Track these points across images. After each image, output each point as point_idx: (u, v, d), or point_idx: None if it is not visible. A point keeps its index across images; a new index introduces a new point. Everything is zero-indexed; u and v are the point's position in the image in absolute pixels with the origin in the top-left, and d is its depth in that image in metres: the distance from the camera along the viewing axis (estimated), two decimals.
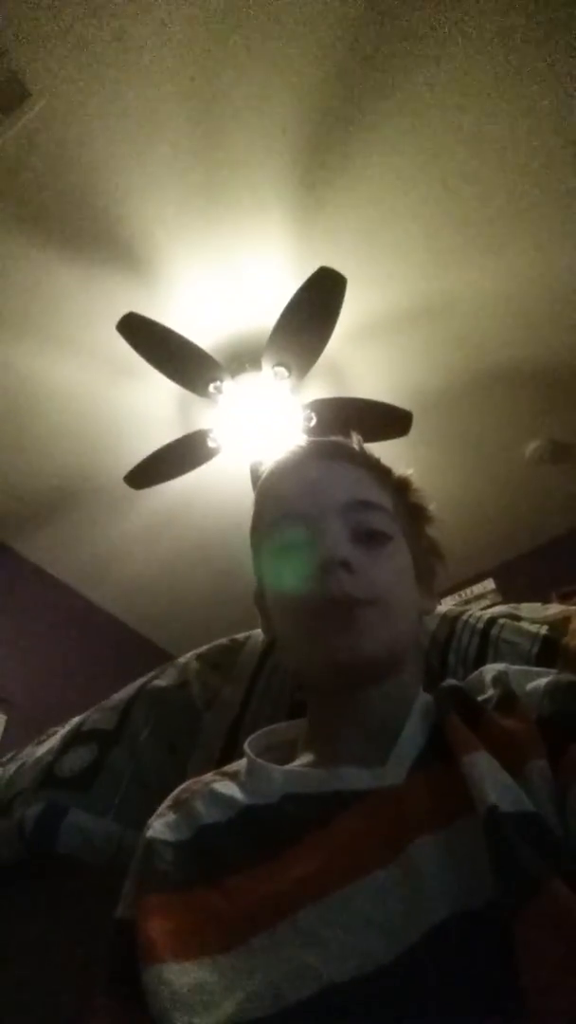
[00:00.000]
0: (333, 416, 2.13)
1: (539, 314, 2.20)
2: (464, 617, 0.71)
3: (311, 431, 2.14)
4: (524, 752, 0.42)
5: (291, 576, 0.55)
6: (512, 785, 0.39)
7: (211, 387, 2.05)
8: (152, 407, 2.37)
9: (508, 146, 1.79)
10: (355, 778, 0.47)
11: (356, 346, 2.25)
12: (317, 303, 1.84)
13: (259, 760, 0.53)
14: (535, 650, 0.64)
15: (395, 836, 0.41)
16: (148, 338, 1.91)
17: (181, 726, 0.74)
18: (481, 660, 0.65)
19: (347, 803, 0.45)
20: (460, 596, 2.68)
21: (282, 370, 2.02)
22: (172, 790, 0.55)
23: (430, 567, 0.64)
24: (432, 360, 2.34)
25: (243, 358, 2.17)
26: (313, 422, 2.15)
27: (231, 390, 2.09)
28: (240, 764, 0.55)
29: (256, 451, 2.23)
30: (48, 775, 0.75)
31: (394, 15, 1.55)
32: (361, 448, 0.63)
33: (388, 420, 2.12)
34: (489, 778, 0.39)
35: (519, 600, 0.78)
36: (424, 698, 0.53)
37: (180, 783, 0.56)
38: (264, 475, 0.65)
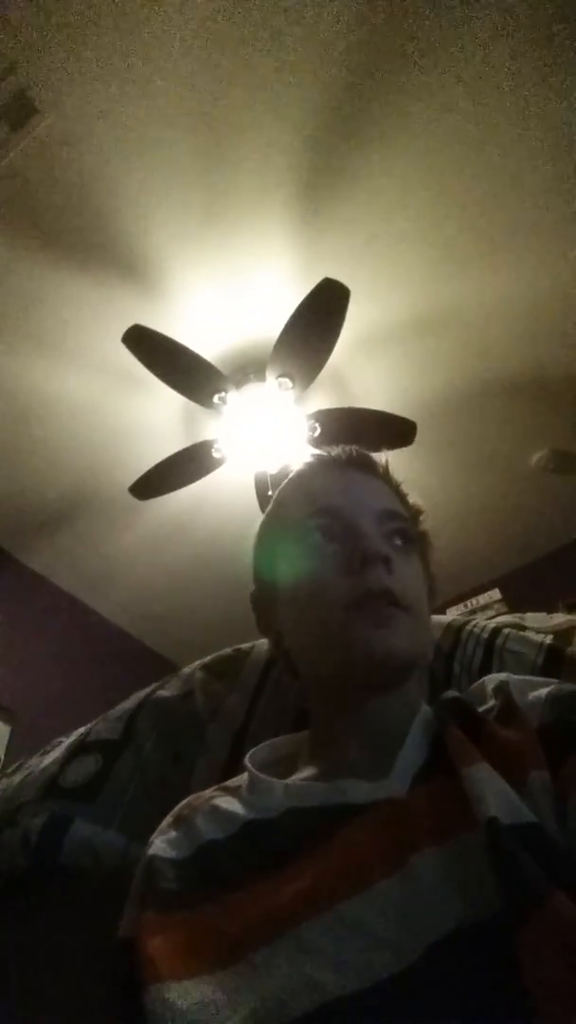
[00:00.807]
0: (337, 426, 2.13)
1: (543, 324, 2.21)
2: (469, 627, 0.71)
3: (315, 441, 2.15)
4: (525, 762, 0.42)
5: (326, 568, 0.54)
6: (513, 796, 0.39)
7: (216, 398, 2.06)
8: (157, 418, 2.38)
9: (512, 158, 1.81)
10: (357, 791, 0.47)
11: (360, 356, 2.26)
12: (321, 314, 1.86)
13: (260, 774, 0.53)
14: (540, 660, 0.63)
15: (397, 848, 0.41)
16: (153, 350, 1.92)
17: (185, 736, 0.74)
18: (486, 670, 0.64)
19: (349, 816, 0.45)
20: (466, 606, 2.67)
21: (286, 381, 2.03)
22: (177, 800, 0.55)
23: (432, 592, 0.64)
24: (436, 370, 2.35)
25: (247, 369, 2.18)
26: (317, 432, 2.16)
27: (235, 401, 2.10)
28: (242, 778, 0.54)
29: (261, 462, 2.24)
30: (53, 785, 0.75)
31: (398, 32, 1.57)
32: (386, 467, 0.65)
33: (392, 430, 2.13)
34: (489, 790, 0.39)
35: (525, 610, 0.78)
36: (426, 710, 0.53)
37: (185, 793, 0.56)
38: (292, 474, 0.65)
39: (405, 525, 0.59)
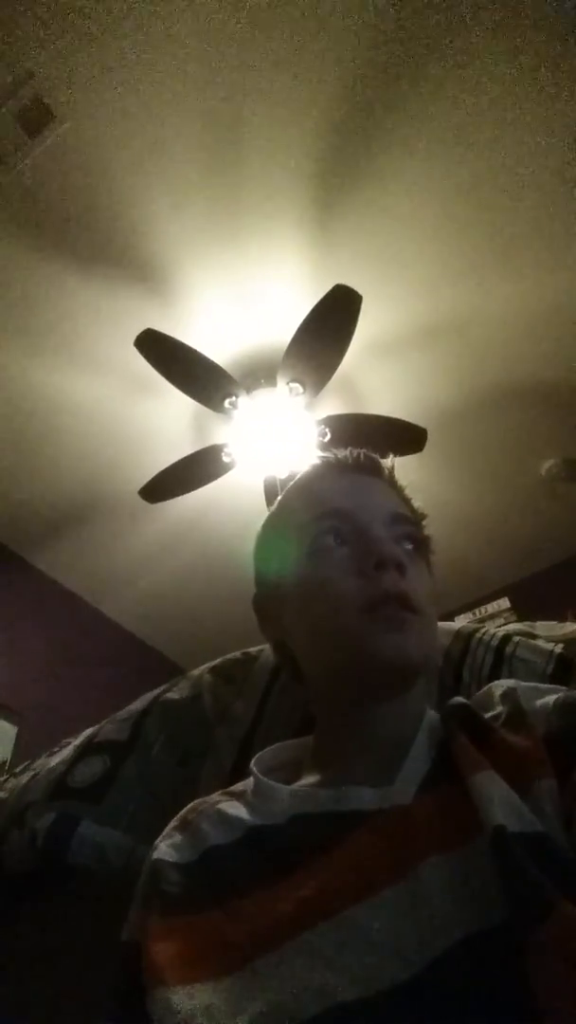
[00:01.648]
0: (347, 432, 2.13)
1: (555, 332, 2.21)
2: (479, 634, 0.71)
3: (325, 447, 2.15)
4: (532, 770, 0.41)
5: (337, 571, 0.54)
6: (519, 805, 0.39)
7: (226, 402, 2.07)
8: (168, 422, 2.39)
9: (525, 166, 1.81)
10: (362, 798, 0.46)
11: (371, 362, 2.26)
12: (332, 320, 1.86)
13: (266, 779, 0.52)
14: (549, 668, 0.63)
15: (403, 856, 0.41)
16: (165, 354, 1.93)
17: (193, 739, 0.74)
18: (495, 677, 0.64)
19: (354, 823, 0.45)
20: (475, 614, 2.67)
21: (297, 386, 2.03)
22: (184, 803, 0.55)
23: (434, 599, 0.64)
24: (447, 377, 2.34)
25: (258, 374, 2.19)
26: (327, 438, 2.16)
27: (246, 405, 2.10)
28: (247, 783, 0.54)
29: (270, 466, 2.24)
30: (60, 786, 0.75)
31: (414, 39, 1.58)
32: (392, 471, 0.64)
33: (402, 436, 2.12)
34: (496, 798, 0.39)
35: (535, 619, 0.78)
36: (432, 716, 0.53)
37: (192, 796, 0.56)
38: (299, 477, 0.64)
39: (414, 529, 0.58)
